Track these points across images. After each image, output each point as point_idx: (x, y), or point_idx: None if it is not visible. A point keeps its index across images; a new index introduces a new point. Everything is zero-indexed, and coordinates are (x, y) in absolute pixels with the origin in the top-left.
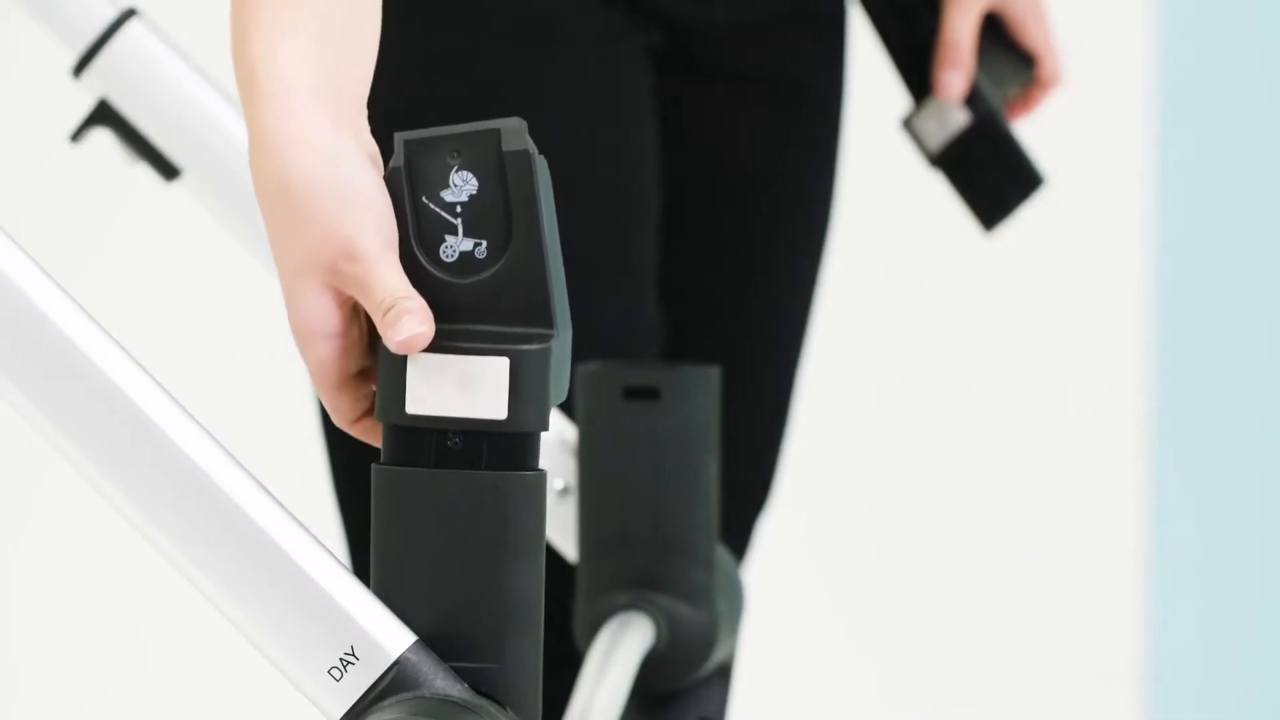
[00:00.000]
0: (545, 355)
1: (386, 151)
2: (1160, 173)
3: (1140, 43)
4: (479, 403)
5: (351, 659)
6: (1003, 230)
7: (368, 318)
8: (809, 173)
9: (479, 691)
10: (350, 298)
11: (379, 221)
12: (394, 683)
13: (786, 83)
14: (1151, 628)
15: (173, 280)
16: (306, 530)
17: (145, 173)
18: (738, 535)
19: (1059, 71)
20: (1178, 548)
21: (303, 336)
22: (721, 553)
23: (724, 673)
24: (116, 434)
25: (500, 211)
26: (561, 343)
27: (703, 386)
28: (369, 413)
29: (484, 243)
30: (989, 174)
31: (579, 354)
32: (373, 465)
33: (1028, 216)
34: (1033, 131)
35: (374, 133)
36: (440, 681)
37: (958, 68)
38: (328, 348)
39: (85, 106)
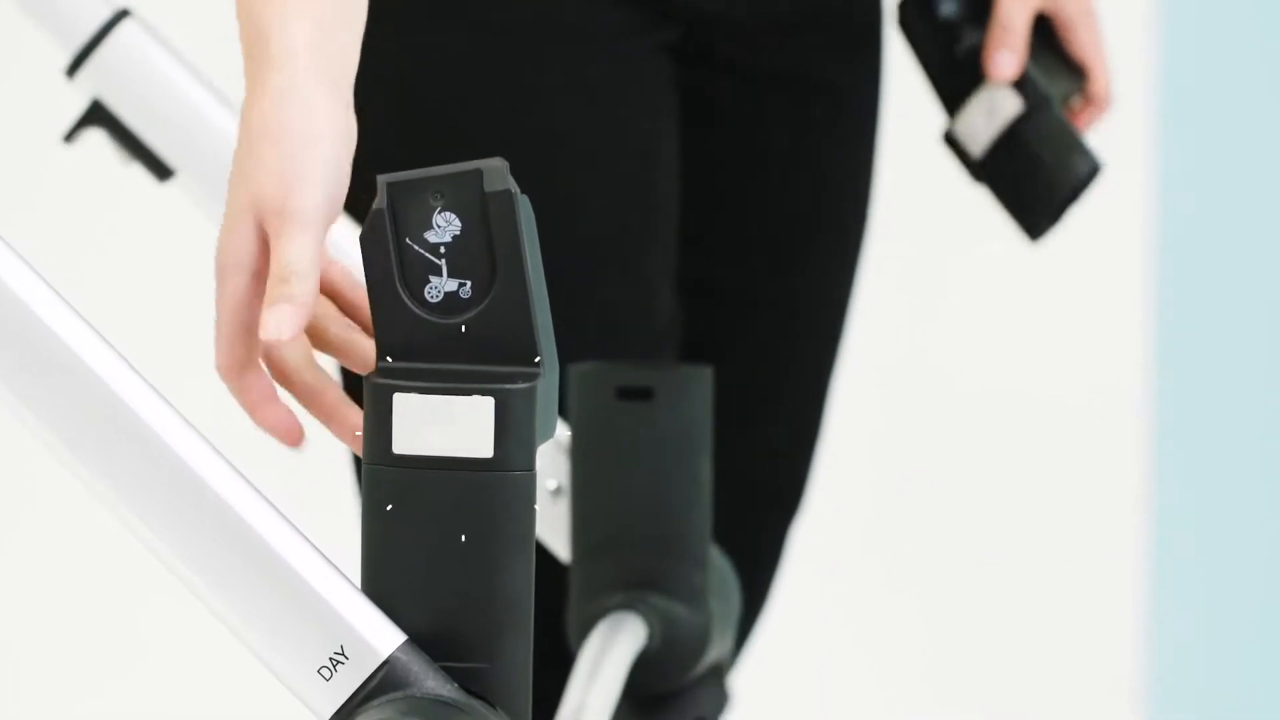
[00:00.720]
0: (531, 394)
1: (386, 138)
2: (1161, 172)
3: (1141, 43)
4: (466, 442)
5: (341, 658)
6: (1050, 237)
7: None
8: (840, 173)
9: (469, 691)
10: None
11: (329, 196)
12: (384, 682)
13: (814, 82)
14: (1152, 628)
15: (166, 280)
16: (297, 530)
17: (139, 173)
18: (771, 541)
19: (1110, 89)
20: (1178, 548)
21: (222, 269)
22: (716, 553)
23: (718, 673)
24: (108, 434)
25: (484, 251)
26: (548, 381)
27: (696, 387)
28: (251, 367)
29: (468, 283)
30: (1040, 170)
31: (588, 353)
32: (364, 464)
33: None
34: None
35: (380, 127)
36: (430, 681)
37: (1012, 49)
38: (241, 282)
39: (79, 107)
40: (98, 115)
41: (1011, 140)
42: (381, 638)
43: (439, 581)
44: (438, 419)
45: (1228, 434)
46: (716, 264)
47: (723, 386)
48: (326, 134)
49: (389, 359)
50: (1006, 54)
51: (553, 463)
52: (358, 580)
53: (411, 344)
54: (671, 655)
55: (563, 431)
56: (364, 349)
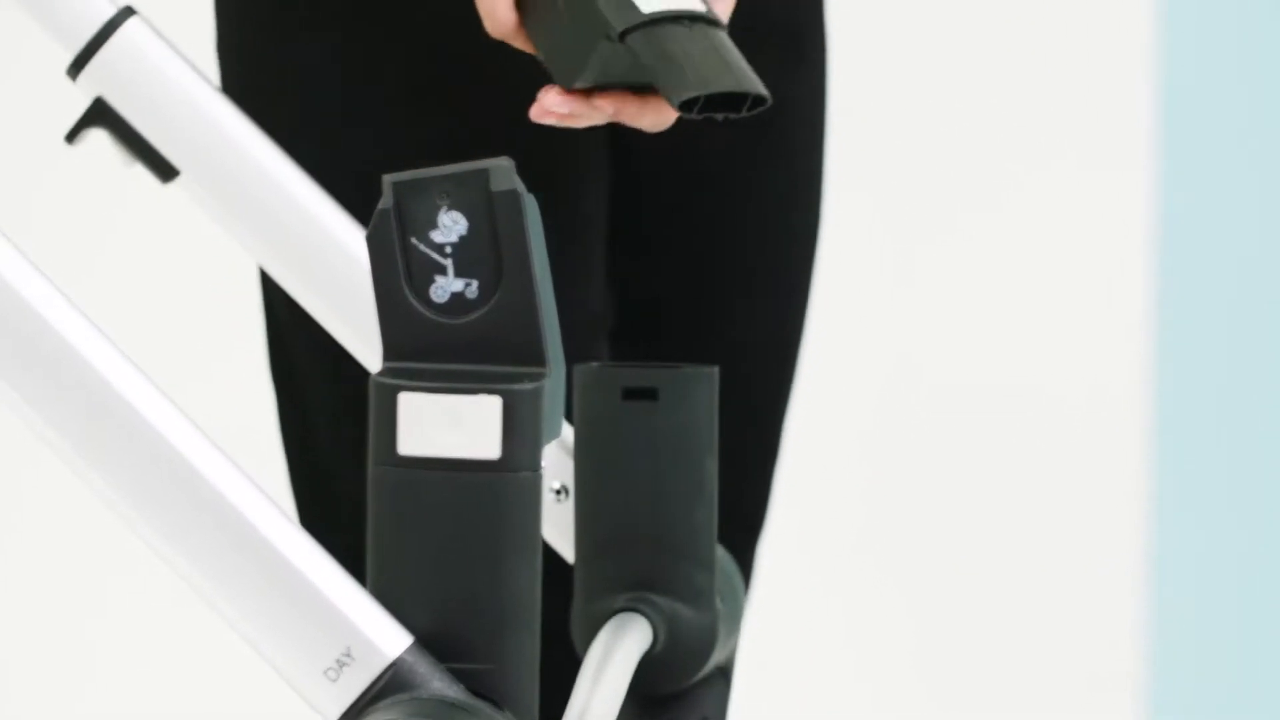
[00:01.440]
0: (538, 394)
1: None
2: (1162, 172)
3: (1141, 43)
4: (472, 443)
5: (348, 660)
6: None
7: None
8: (784, 183)
9: (475, 692)
10: None
11: None
12: (391, 683)
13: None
14: (1152, 629)
15: (171, 281)
16: (303, 531)
17: (142, 174)
18: (741, 565)
19: None
20: (1178, 548)
21: None
22: (721, 554)
23: (723, 674)
24: (111, 434)
25: (490, 251)
26: (554, 381)
27: (701, 387)
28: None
29: (475, 283)
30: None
31: None
32: (370, 465)
33: (1029, 217)
34: (1034, 131)
35: (287, 120)
36: (437, 683)
37: None
38: None
39: (82, 107)
40: (100, 115)
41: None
42: (389, 639)
43: (445, 582)
44: (444, 419)
45: (1228, 433)
46: (665, 280)
47: None
48: None
49: (394, 359)
50: None
51: (557, 464)
52: (362, 581)
53: (417, 344)
54: (676, 656)
55: (567, 432)
56: None
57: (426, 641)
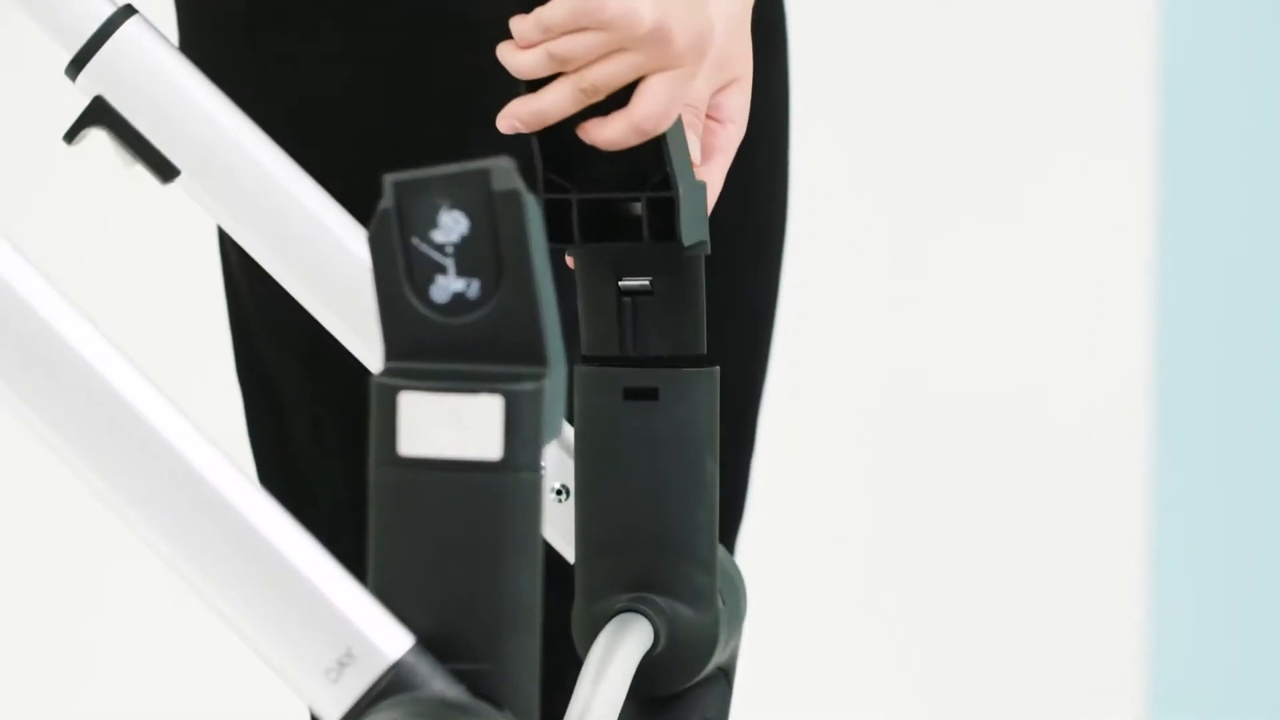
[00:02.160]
0: (539, 394)
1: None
2: (1162, 173)
3: (1142, 43)
4: (473, 443)
5: (349, 660)
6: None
7: None
8: (748, 177)
9: (476, 693)
10: None
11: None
12: (392, 684)
13: None
14: (1152, 629)
15: (171, 281)
16: (303, 530)
17: (141, 174)
18: None
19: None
20: (1178, 549)
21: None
22: (723, 554)
23: (725, 675)
24: (111, 434)
25: (491, 251)
26: (555, 381)
27: (702, 387)
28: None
29: (476, 282)
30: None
31: None
32: (370, 465)
33: (1030, 217)
34: (1035, 131)
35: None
36: (438, 683)
37: None
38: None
39: (80, 107)
40: (100, 114)
41: None
42: (390, 640)
43: (445, 583)
44: (445, 419)
45: (1228, 435)
46: None
47: None
48: None
49: (395, 359)
50: None
51: (558, 463)
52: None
53: (418, 344)
54: (677, 657)
55: (567, 432)
56: None
57: (427, 642)
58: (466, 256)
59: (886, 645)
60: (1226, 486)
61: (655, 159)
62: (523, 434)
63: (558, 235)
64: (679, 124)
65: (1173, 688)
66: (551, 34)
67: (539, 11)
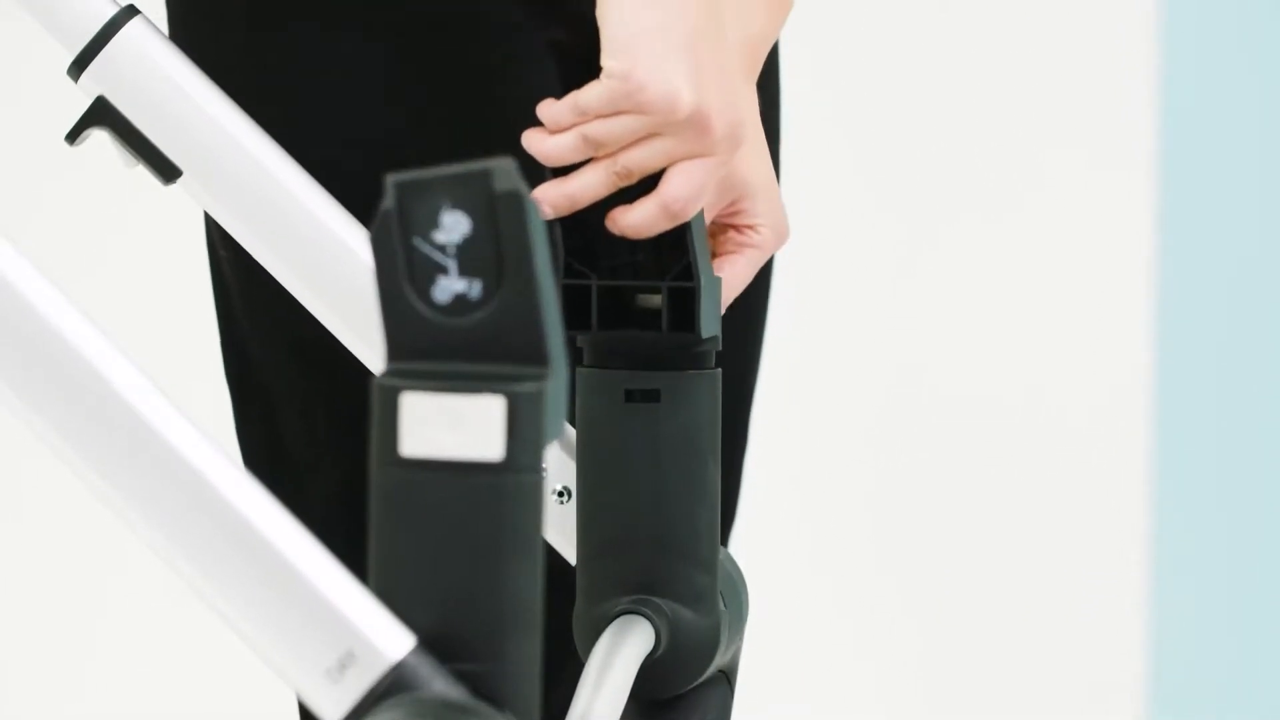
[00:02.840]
0: (541, 395)
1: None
2: (1162, 174)
3: (1143, 44)
4: (475, 443)
5: (350, 661)
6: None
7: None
8: None
9: (478, 694)
10: None
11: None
12: (393, 685)
13: None
14: (1152, 630)
15: (171, 281)
16: (305, 531)
17: (143, 175)
18: None
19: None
20: (1179, 550)
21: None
22: (725, 556)
23: (726, 677)
24: (112, 435)
25: (493, 252)
26: (557, 382)
27: (703, 389)
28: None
29: (477, 283)
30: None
31: None
32: (372, 466)
33: (1031, 217)
34: (1036, 131)
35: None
36: (439, 684)
37: None
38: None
39: (82, 107)
40: (102, 114)
41: None
42: (391, 641)
43: (447, 583)
44: (447, 419)
45: (1228, 436)
46: None
47: None
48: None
49: (397, 360)
50: None
51: (559, 465)
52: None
53: (420, 344)
54: (679, 659)
55: (569, 433)
56: None
57: (428, 642)
58: (468, 257)
59: (887, 644)
60: (1227, 486)
61: (677, 249)
62: (524, 435)
63: (575, 322)
64: (701, 215)
65: (1173, 688)
66: (587, 117)
67: (575, 95)
